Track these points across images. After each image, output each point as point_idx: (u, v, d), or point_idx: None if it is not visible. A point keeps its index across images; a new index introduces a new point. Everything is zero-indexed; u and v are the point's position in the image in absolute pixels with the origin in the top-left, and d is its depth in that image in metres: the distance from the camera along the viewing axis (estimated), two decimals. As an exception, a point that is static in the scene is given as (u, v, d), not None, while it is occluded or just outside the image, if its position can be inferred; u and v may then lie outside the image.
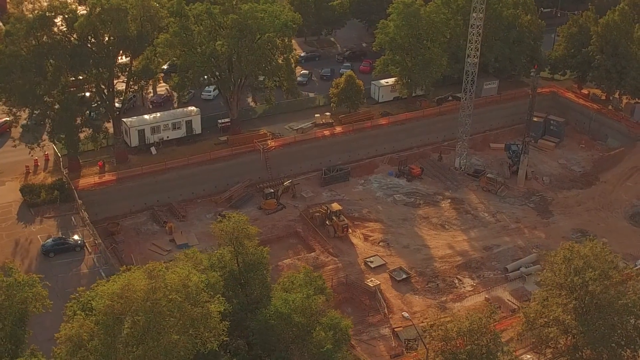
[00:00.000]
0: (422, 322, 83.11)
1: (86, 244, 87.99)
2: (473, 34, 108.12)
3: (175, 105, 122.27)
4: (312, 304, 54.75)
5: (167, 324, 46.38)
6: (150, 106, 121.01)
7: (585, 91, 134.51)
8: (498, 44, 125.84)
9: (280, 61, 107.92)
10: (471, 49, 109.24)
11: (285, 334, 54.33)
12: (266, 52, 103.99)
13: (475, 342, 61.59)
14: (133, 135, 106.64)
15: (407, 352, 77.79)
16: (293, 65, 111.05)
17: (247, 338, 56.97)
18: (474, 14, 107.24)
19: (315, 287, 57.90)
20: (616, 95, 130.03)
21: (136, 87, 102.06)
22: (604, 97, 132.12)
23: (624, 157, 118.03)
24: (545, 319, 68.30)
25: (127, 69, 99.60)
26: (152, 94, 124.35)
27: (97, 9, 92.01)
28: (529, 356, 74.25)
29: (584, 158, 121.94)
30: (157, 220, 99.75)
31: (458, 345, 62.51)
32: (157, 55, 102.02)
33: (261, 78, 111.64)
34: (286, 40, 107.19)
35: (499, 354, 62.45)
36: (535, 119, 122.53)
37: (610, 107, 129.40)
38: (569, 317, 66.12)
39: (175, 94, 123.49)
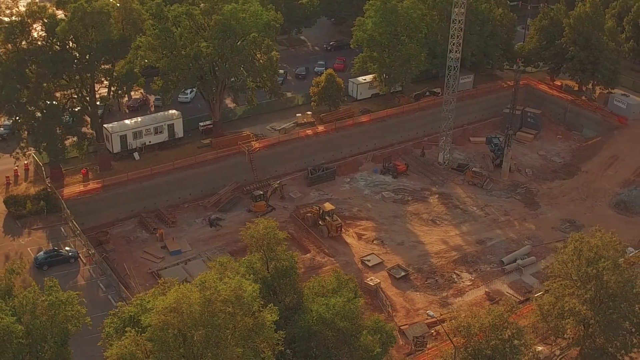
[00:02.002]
0: (427, 318, 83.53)
1: (80, 255, 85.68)
2: (455, 29, 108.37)
3: (152, 109, 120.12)
4: (353, 307, 53.96)
5: (223, 337, 44.83)
6: (127, 111, 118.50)
7: (558, 82, 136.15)
8: (474, 38, 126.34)
9: (262, 61, 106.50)
10: (453, 44, 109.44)
11: (327, 339, 53.29)
12: (251, 52, 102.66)
13: (499, 337, 61.61)
14: (115, 141, 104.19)
15: (416, 350, 77.39)
16: (275, 64, 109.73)
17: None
18: (456, 9, 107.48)
19: (349, 290, 56.98)
20: (589, 86, 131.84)
21: (120, 92, 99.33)
22: (576, 88, 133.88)
23: (603, 146, 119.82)
24: (559, 310, 68.81)
25: (111, 74, 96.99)
26: (127, 99, 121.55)
27: (79, 13, 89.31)
28: (540, 347, 74.48)
29: (562, 149, 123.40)
30: (146, 227, 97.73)
31: (479, 339, 62.56)
32: (139, 58, 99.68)
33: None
34: (268, 41, 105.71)
35: (522, 348, 62.71)
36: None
37: (583, 97, 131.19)
38: (585, 307, 66.62)
39: (151, 98, 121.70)
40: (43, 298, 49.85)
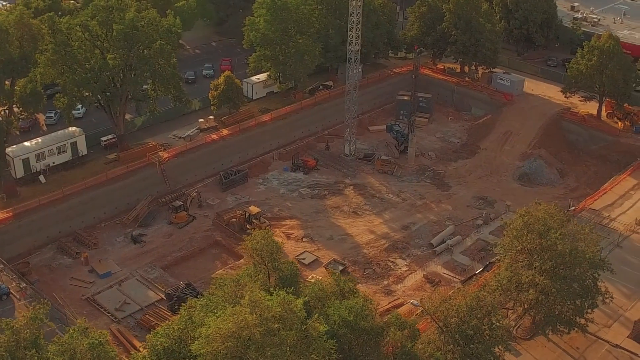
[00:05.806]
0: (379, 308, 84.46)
1: (10, 290, 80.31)
2: (353, 22, 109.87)
3: (44, 128, 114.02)
4: (371, 306, 53.89)
5: (283, 355, 43.41)
6: (18, 132, 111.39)
7: (440, 66, 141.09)
8: (363, 30, 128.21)
9: (166, 68, 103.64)
10: (352, 37, 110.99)
11: (351, 341, 52.85)
12: (157, 60, 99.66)
13: (478, 316, 63.47)
14: (17, 165, 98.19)
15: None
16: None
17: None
18: (353, 2, 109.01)
19: (349, 290, 56.75)
20: (472, 67, 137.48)
21: (26, 114, 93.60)
22: (459, 70, 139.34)
23: (494, 123, 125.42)
24: (516, 284, 71.77)
25: (11, 95, 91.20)
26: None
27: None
28: (497, 322, 77.00)
29: (457, 129, 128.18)
30: (67, 252, 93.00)
31: (456, 321, 64.10)
32: (39, 76, 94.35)
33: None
34: (170, 48, 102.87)
35: (497, 324, 64.95)
36: (405, 98, 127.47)
37: (467, 78, 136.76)
38: (543, 277, 69.83)
39: (41, 117, 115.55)
40: (83, 340, 46.23)
